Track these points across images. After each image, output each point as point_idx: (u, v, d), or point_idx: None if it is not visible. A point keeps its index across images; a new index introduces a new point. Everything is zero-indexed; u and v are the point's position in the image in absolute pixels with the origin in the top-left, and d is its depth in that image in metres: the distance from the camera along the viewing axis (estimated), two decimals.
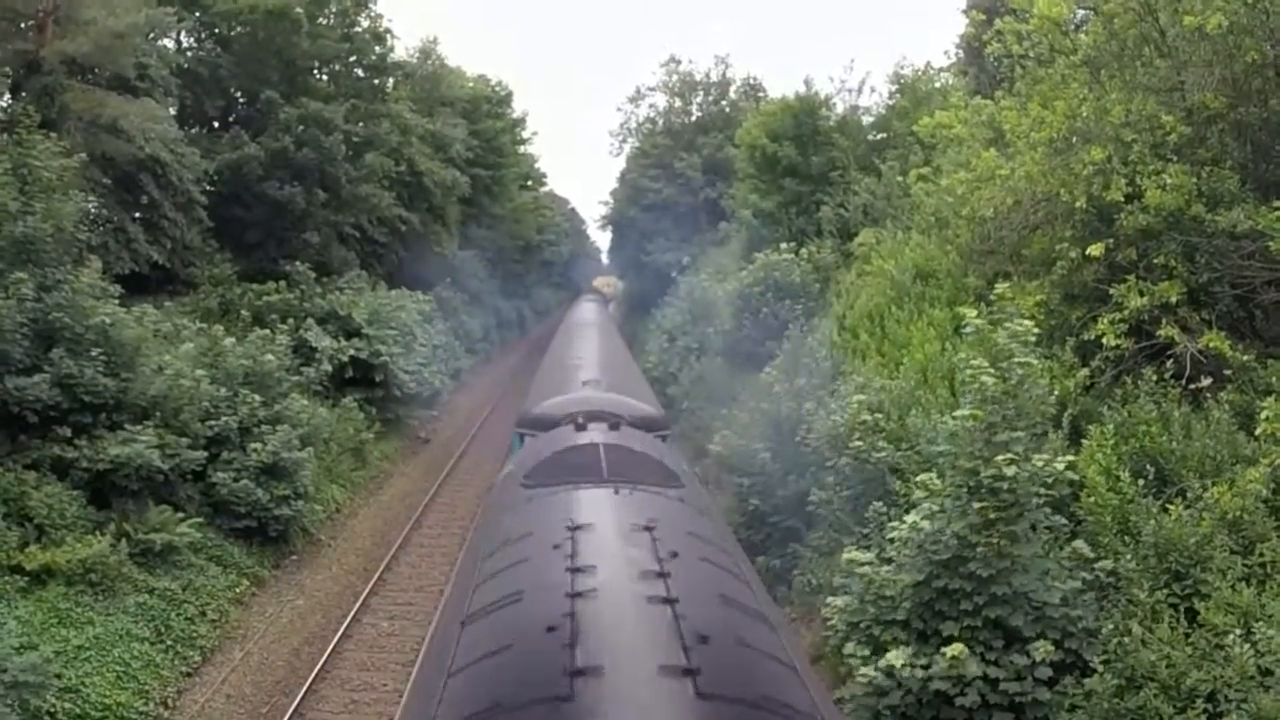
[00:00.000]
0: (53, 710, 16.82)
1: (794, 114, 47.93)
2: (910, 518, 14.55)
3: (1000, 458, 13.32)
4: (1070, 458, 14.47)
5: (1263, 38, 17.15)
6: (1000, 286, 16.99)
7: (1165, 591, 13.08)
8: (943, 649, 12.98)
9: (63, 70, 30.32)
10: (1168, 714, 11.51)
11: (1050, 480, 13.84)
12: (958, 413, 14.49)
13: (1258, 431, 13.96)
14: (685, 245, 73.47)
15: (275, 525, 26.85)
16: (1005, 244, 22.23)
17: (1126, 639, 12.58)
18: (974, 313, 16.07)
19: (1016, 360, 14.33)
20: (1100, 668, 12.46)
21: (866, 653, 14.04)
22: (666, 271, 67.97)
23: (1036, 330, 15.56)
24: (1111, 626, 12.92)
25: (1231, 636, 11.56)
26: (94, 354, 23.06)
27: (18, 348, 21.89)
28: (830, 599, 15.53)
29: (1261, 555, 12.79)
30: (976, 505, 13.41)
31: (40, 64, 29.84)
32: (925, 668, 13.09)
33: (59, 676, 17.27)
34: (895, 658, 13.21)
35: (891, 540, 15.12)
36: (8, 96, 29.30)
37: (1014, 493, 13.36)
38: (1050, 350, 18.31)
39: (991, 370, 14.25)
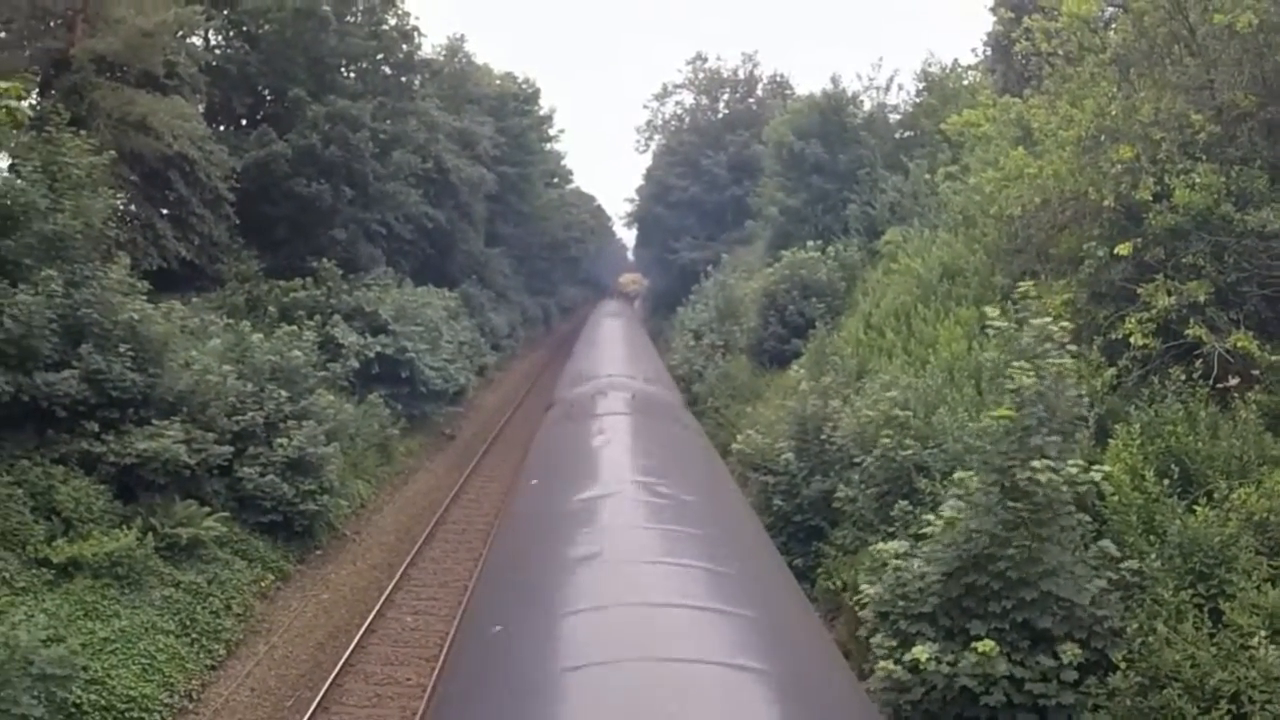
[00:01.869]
0: (79, 702, 16.94)
1: (821, 111, 47.93)
2: (946, 512, 14.54)
3: (1036, 462, 13.26)
4: (1106, 468, 14.39)
5: None
6: (1023, 285, 16.92)
7: (1190, 592, 13.04)
8: (973, 644, 12.97)
9: (92, 68, 30.48)
10: (1191, 714, 11.48)
11: (1084, 487, 13.77)
12: (994, 412, 14.44)
13: None
14: (711, 243, 73.51)
15: (300, 520, 26.92)
16: (1033, 243, 22.18)
17: (1151, 638, 12.54)
18: (996, 312, 16.01)
19: (1052, 361, 14.27)
20: (1124, 666, 12.41)
21: (894, 644, 14.05)
22: (692, 269, 67.93)
23: (1069, 326, 15.48)
24: (1136, 626, 12.88)
25: (1257, 638, 11.51)
26: (122, 349, 23.15)
27: (47, 343, 21.99)
28: (863, 587, 15.53)
29: None
30: (1010, 505, 13.36)
31: (69, 62, 30.05)
32: (952, 664, 13.07)
33: (85, 669, 17.36)
34: (920, 652, 13.20)
35: (919, 538, 15.10)
36: (37, 94, 29.49)
37: (1047, 496, 13.30)
38: (1078, 349, 18.25)
39: (1030, 370, 14.20)
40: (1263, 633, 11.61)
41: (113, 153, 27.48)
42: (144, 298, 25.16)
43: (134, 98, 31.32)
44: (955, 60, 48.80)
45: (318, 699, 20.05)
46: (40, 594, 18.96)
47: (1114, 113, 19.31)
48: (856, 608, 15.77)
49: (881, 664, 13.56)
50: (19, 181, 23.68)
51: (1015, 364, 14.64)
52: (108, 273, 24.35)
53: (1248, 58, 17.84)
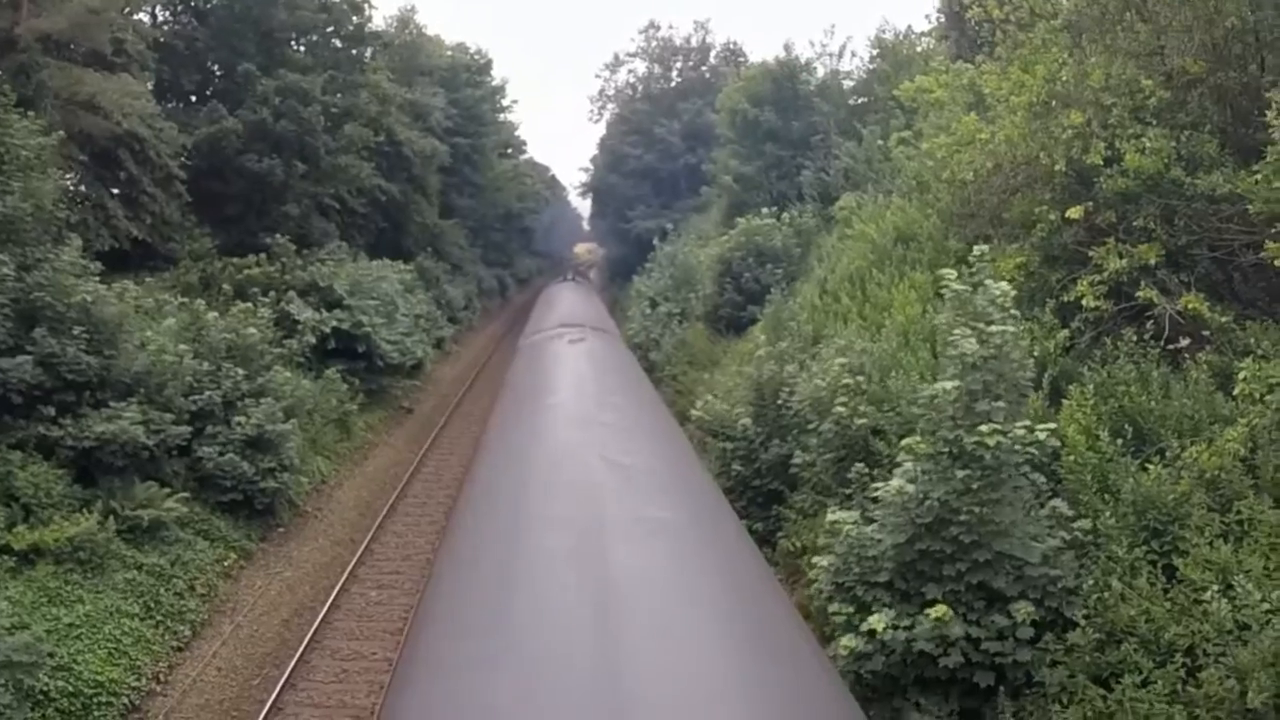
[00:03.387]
0: (46, 689, 16.92)
1: (774, 79, 48.10)
2: (895, 481, 14.66)
3: (983, 427, 13.43)
4: (1051, 425, 14.59)
5: (1243, 3, 17.18)
6: (979, 249, 17.07)
7: (1144, 549, 13.27)
8: (926, 610, 13.15)
9: (38, 48, 30.04)
10: (1147, 668, 11.71)
11: (1032, 447, 13.96)
12: (939, 383, 14.58)
13: (1235, 392, 14.10)
14: (666, 211, 73.53)
15: (261, 498, 26.87)
16: (985, 207, 22.33)
17: (1106, 595, 12.79)
18: (954, 274, 16.13)
19: (995, 327, 14.42)
20: (1081, 623, 12.66)
21: (851, 610, 14.20)
22: (648, 238, 67.92)
23: (1014, 293, 15.61)
24: (1091, 583, 13.12)
25: (1210, 592, 11.75)
26: (76, 332, 22.99)
27: (0, 328, 21.82)
28: (816, 558, 15.70)
29: (1239, 513, 12.94)
30: (960, 473, 13.53)
31: (16, 41, 29.60)
32: (909, 629, 13.26)
33: (51, 655, 17.34)
34: (877, 621, 13.37)
35: (875, 500, 15.26)
36: None
37: (996, 459, 13.49)
38: (1030, 312, 18.43)
39: (972, 337, 14.35)
40: (1215, 587, 11.82)
41: (61, 133, 27.11)
42: (97, 279, 24.97)
43: (82, 76, 30.97)
44: (909, 27, 49.15)
45: (284, 676, 20.15)
46: (2, 581, 18.80)
47: (1065, 78, 19.43)
48: (816, 573, 15.93)
49: (844, 640, 13.71)
50: None
51: (957, 330, 14.80)
52: (60, 255, 24.14)
53: (1198, 24, 17.94)
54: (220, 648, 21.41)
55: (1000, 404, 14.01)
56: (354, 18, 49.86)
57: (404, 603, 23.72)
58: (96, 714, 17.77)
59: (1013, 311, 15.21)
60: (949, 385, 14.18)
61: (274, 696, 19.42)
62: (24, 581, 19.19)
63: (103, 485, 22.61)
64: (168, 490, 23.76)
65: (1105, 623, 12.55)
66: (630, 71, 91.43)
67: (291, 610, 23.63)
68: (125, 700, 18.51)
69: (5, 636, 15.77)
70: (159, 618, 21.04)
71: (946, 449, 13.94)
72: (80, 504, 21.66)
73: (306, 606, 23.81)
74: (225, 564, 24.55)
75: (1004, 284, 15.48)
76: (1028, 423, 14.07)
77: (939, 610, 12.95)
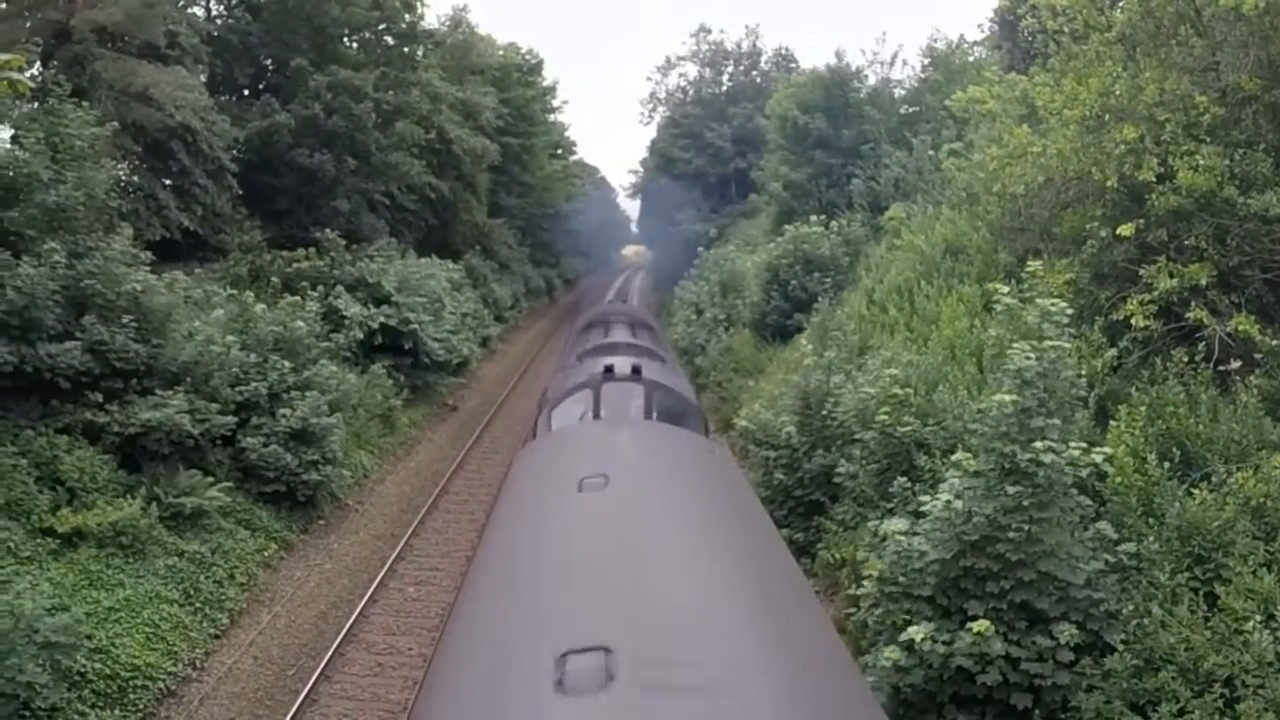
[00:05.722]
0: (83, 670, 17.11)
1: (825, 86, 48.04)
2: (943, 496, 14.54)
3: (1039, 443, 13.29)
4: (1108, 450, 14.41)
5: None
6: (1032, 264, 16.88)
7: (1186, 575, 13.07)
8: (968, 625, 13.03)
9: (93, 39, 30.43)
10: (1185, 697, 11.52)
11: (1086, 470, 13.80)
12: (996, 396, 14.43)
13: None
14: (715, 215, 73.53)
15: (304, 490, 27.03)
16: (1036, 221, 22.17)
17: (1146, 620, 12.60)
18: (1006, 289, 15.96)
19: (1050, 343, 14.27)
20: (1120, 648, 12.49)
21: (897, 620, 14.11)
22: (695, 242, 67.84)
23: (1070, 311, 15.46)
24: (1132, 608, 12.95)
25: (1251, 623, 11.56)
26: (125, 320, 23.19)
27: (50, 314, 22.00)
28: (870, 558, 15.57)
29: None
30: (1011, 489, 13.38)
31: (71, 33, 29.98)
32: (948, 644, 13.14)
33: (89, 637, 17.54)
34: (915, 632, 13.27)
35: (919, 515, 15.14)
36: (39, 65, 29.40)
37: (1048, 478, 13.34)
38: (1079, 329, 18.26)
39: (1030, 352, 14.21)
40: (1257, 617, 11.64)
41: (115, 124, 27.43)
42: (147, 268, 25.15)
43: (136, 68, 31.30)
44: (961, 36, 48.98)
45: (320, 668, 20.23)
46: (45, 563, 19.07)
47: (1118, 92, 19.25)
48: (854, 586, 15.81)
49: (886, 653, 13.61)
50: (21, 153, 23.64)
51: (1016, 345, 14.66)
52: (110, 244, 24.34)
53: (1253, 40, 17.73)
54: (257, 637, 21.55)
55: (1055, 421, 13.87)
56: (406, 15, 50.06)
57: (442, 600, 23.77)
58: (132, 697, 17.95)
59: (1069, 328, 15.08)
60: (1007, 398, 14.04)
61: (308, 687, 19.50)
62: (66, 564, 19.43)
63: (147, 472, 22.85)
64: (211, 479, 23.97)
65: (1144, 649, 12.36)
66: (681, 75, 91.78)
67: (329, 602, 23.75)
68: (161, 685, 18.68)
69: (45, 617, 15.92)
70: (198, 605, 21.22)
71: (998, 464, 13.80)
72: (124, 490, 21.88)
73: (344, 599, 23.91)
74: (265, 554, 24.71)
75: (1060, 301, 15.33)
76: (1083, 444, 13.90)
77: (981, 624, 12.82)
